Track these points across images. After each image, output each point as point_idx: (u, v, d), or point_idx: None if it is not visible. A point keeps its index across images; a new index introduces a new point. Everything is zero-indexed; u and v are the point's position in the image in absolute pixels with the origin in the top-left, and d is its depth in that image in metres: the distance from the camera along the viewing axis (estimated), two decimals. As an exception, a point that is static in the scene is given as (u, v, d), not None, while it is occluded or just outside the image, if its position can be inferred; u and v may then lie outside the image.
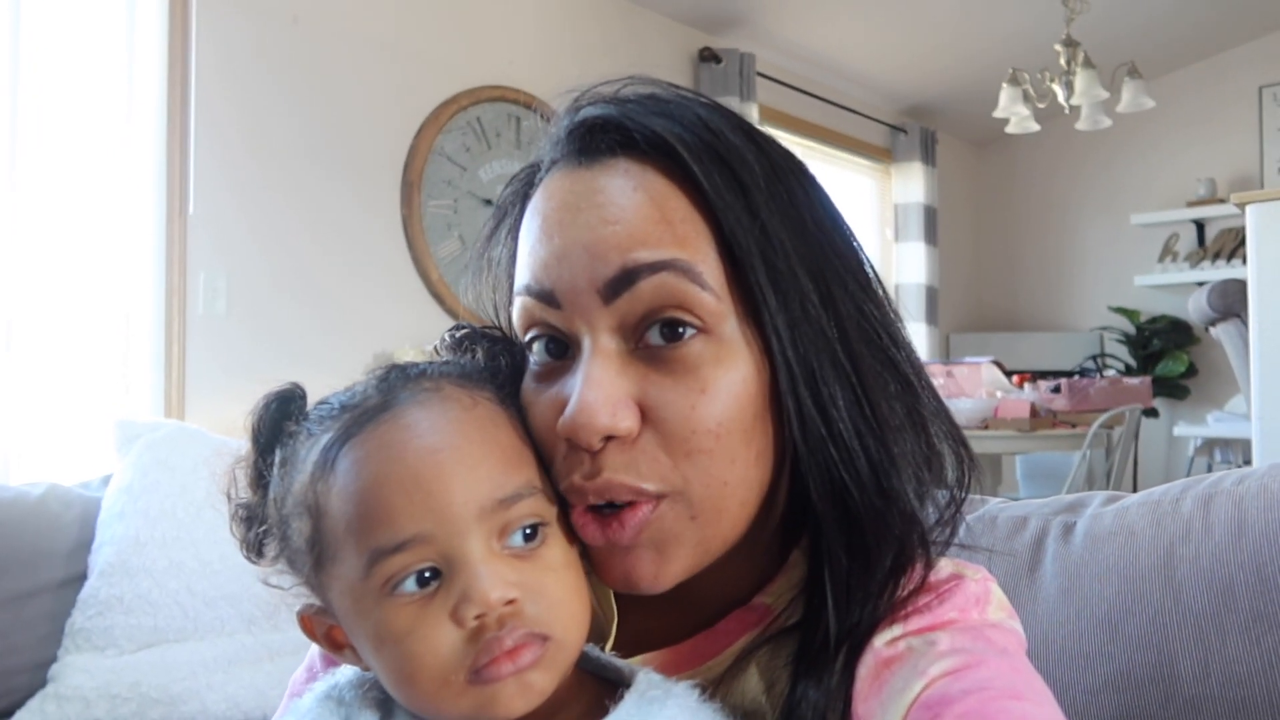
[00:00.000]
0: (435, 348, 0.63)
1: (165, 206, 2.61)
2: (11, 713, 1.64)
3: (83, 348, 2.45)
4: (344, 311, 3.00)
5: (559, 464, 0.55)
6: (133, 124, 2.56)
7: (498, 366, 0.60)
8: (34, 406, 2.35)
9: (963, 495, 0.60)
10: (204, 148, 2.67)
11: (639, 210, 0.54)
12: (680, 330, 0.54)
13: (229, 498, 0.58)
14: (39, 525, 1.76)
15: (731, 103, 4.02)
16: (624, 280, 0.53)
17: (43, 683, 1.68)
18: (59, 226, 2.41)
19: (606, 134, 0.57)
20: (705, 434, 0.53)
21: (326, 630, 0.56)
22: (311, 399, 0.59)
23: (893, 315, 0.59)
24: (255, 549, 0.57)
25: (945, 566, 0.58)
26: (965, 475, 0.60)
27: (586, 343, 0.54)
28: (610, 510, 0.54)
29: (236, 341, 2.73)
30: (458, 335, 0.63)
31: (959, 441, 0.60)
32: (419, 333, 3.07)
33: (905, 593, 0.55)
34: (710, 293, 0.54)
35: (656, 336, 0.54)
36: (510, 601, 0.50)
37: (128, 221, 2.54)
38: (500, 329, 0.64)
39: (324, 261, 2.95)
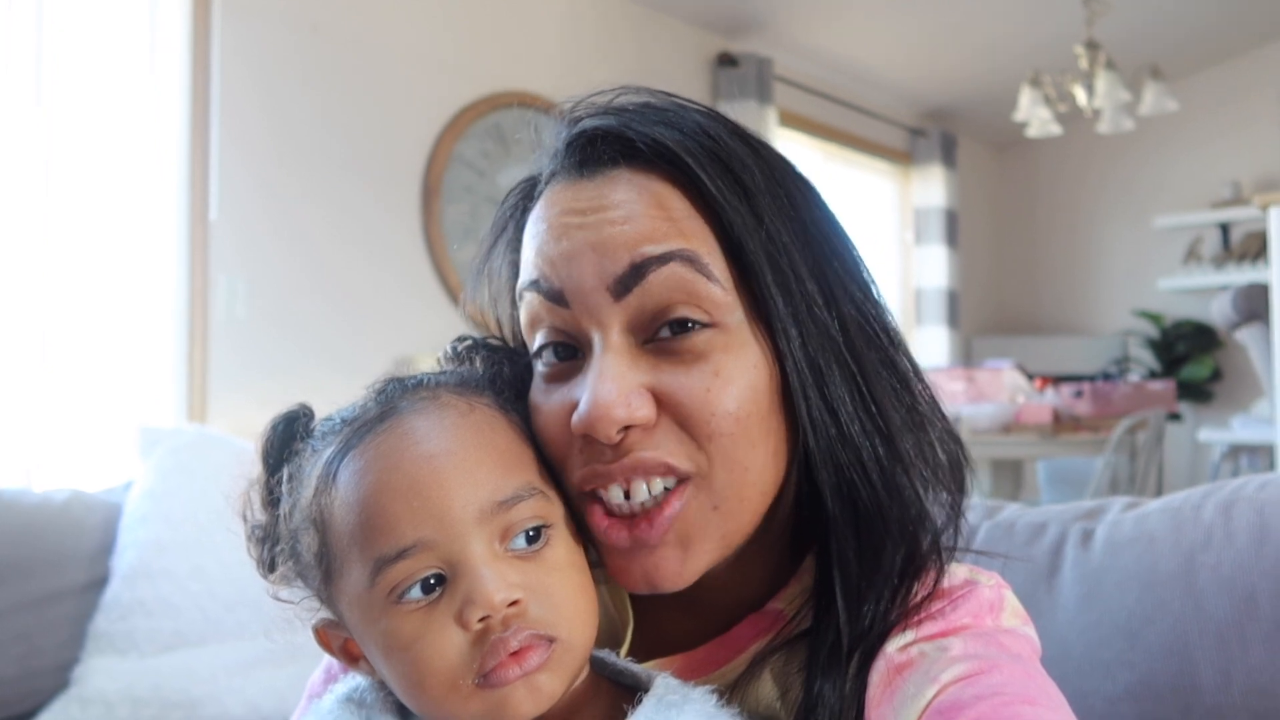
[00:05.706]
0: (439, 359, 0.64)
1: (188, 212, 2.63)
2: (35, 714, 1.66)
3: (105, 353, 2.47)
4: (364, 316, 3.01)
5: (576, 459, 0.55)
6: (155, 131, 2.58)
7: (498, 374, 0.60)
8: (57, 412, 2.38)
9: (960, 495, 0.60)
10: (226, 154, 2.70)
11: (644, 211, 0.55)
12: (689, 325, 0.54)
13: (244, 519, 0.59)
14: (63, 530, 1.78)
15: (750, 107, 4.01)
16: (634, 275, 0.54)
17: (65, 685, 1.70)
18: (82, 233, 2.43)
19: (607, 144, 0.57)
20: (725, 416, 0.53)
21: (342, 643, 0.57)
22: (331, 403, 0.59)
23: (889, 316, 0.59)
24: (270, 566, 0.57)
25: (959, 572, 0.58)
26: (961, 475, 0.60)
27: (597, 340, 0.55)
28: (631, 514, 0.54)
29: (257, 346, 2.75)
30: (459, 347, 0.63)
31: (954, 440, 0.60)
32: (438, 338, 3.06)
33: (918, 599, 0.55)
34: (717, 284, 0.54)
35: (665, 332, 0.54)
36: (514, 603, 0.50)
37: (150, 227, 2.57)
38: (501, 339, 0.65)
39: (344, 266, 2.97)
